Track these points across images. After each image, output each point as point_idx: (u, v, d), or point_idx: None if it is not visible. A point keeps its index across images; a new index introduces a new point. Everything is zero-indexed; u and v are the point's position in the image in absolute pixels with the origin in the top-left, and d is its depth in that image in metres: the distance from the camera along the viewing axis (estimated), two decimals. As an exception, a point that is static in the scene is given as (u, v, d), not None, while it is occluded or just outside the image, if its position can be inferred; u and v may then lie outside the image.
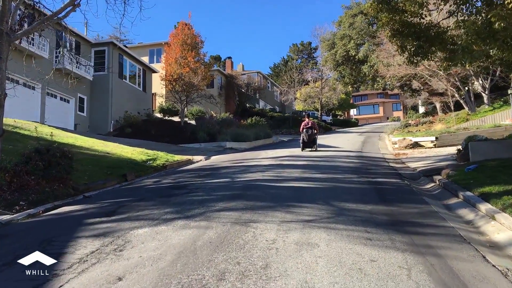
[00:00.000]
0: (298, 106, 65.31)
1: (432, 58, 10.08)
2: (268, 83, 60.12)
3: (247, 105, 47.65)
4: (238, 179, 9.72)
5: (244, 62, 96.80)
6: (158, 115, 33.51)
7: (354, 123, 63.19)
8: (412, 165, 12.85)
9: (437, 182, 9.49)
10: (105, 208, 7.15)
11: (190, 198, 7.46)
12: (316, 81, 56.20)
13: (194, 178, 10.80)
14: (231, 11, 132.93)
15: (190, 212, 6.27)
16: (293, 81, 55.23)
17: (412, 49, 9.76)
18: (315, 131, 18.66)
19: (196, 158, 18.20)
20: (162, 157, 16.09)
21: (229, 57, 52.71)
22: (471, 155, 11.41)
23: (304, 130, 18.56)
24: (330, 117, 58.64)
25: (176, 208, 6.65)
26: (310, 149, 18.48)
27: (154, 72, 33.80)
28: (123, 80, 29.38)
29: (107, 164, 12.77)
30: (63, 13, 10.06)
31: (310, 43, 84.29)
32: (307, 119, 19.63)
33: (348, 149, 18.72)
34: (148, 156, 15.63)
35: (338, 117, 67.75)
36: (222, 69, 49.51)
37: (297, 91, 58.23)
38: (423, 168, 11.45)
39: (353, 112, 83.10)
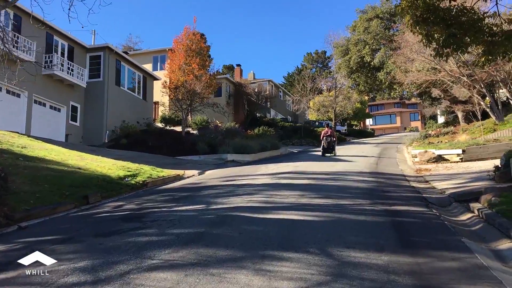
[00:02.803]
0: (311, 115, 63.05)
1: (467, 50, 7.82)
2: (280, 92, 58.04)
3: (257, 114, 45.58)
4: (215, 206, 7.54)
5: (257, 71, 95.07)
6: (159, 125, 31.60)
7: (370, 134, 60.68)
8: (439, 185, 10.51)
9: (476, 212, 7.18)
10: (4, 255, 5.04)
11: (131, 240, 5.31)
12: (330, 90, 53.95)
13: (164, 202, 8.66)
14: (247, 22, 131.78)
15: (108, 271, 4.12)
16: (306, 90, 53.07)
17: (441, 38, 7.53)
18: (334, 139, 22.25)
19: (188, 173, 16.13)
20: (146, 172, 14.02)
21: (238, 65, 50.74)
22: (514, 174, 9.07)
23: (324, 138, 21.97)
24: (345, 127, 56.23)
25: (98, 259, 4.52)
26: (329, 155, 21.44)
27: (156, 79, 32.00)
28: (121, 87, 27.56)
29: (71, 183, 10.70)
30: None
31: (324, 52, 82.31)
32: (326, 128, 23.42)
33: (361, 163, 16.42)
34: (129, 171, 13.55)
35: (354, 127, 65.34)
36: (231, 78, 47.57)
37: (310, 100, 56.03)
38: (454, 191, 9.12)
39: (369, 122, 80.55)
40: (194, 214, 6.98)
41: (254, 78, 55.93)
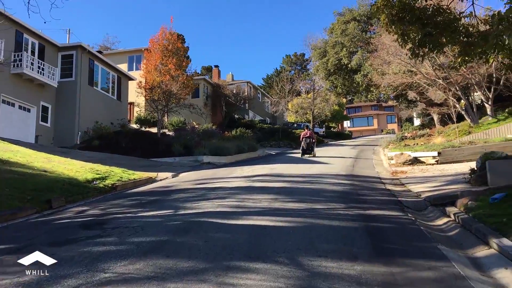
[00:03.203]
0: (290, 117, 62.99)
1: (444, 50, 7.63)
2: (259, 93, 57.79)
3: (236, 116, 45.21)
4: (183, 212, 7.17)
5: (237, 74, 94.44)
6: (134, 126, 30.89)
7: (348, 136, 60.96)
8: (415, 188, 10.35)
9: (452, 216, 6.99)
10: None
11: (87, 250, 4.91)
12: (308, 92, 53.95)
13: (130, 207, 8.23)
14: (227, 24, 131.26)
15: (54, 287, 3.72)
16: (284, 92, 52.95)
17: (417, 38, 7.32)
18: (313, 140, 23.12)
19: (162, 175, 15.67)
20: (116, 175, 13.52)
21: (216, 66, 50.17)
22: (489, 177, 8.95)
23: (304, 139, 22.64)
24: (323, 129, 56.25)
25: (46, 272, 4.11)
26: (308, 155, 22.08)
27: (131, 79, 31.31)
28: (94, 87, 26.81)
29: (34, 186, 10.16)
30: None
31: (303, 55, 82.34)
32: (306, 130, 24.21)
33: (338, 166, 16.24)
34: (98, 174, 13.02)
35: (332, 129, 65.52)
36: (209, 79, 47.06)
37: (288, 102, 55.91)
38: (430, 194, 8.94)
39: (346, 124, 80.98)
40: (159, 221, 6.60)
41: (233, 80, 55.53)
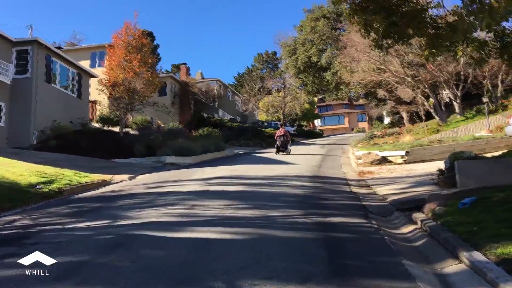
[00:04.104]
0: (261, 116, 62.41)
1: (410, 42, 7.04)
2: (229, 91, 56.92)
3: (205, 114, 44.20)
4: (121, 222, 6.35)
5: (209, 72, 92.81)
6: (97, 125, 29.60)
7: (319, 134, 60.75)
8: (381, 190, 9.77)
9: (419, 223, 6.38)
10: None
11: (-16, 276, 4.05)
12: (279, 91, 53.47)
13: (65, 217, 7.33)
14: (198, 22, 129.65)
15: None
16: (255, 90, 52.29)
17: (381, 28, 6.69)
18: (288, 138, 23.62)
19: (118, 177, 14.73)
20: (65, 178, 12.53)
21: (184, 63, 49.13)
22: (459, 178, 8.44)
23: (278, 137, 23.46)
24: (294, 128, 55.90)
25: None
26: (283, 153, 22.65)
27: (93, 76, 29.98)
28: (52, 84, 25.42)
29: (-36, 192, 9.15)
30: None
31: (274, 53, 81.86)
32: (281, 129, 25.32)
33: (304, 166, 15.60)
34: (45, 177, 12.00)
35: (303, 128, 65.27)
36: (178, 77, 45.92)
37: (259, 100, 55.25)
38: (396, 198, 8.35)
39: (318, 122, 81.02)
40: (90, 234, 5.75)
41: (202, 78, 54.49)
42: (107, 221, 6.43)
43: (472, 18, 5.58)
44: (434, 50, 7.16)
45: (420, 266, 4.64)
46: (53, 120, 24.41)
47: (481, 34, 8.25)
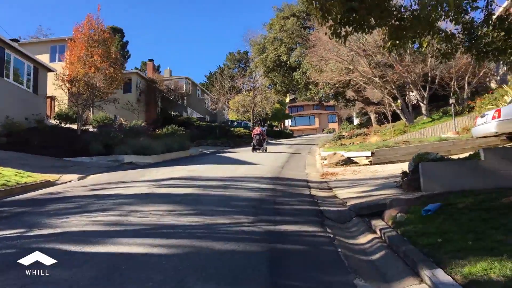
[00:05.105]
0: (231, 115, 61.58)
1: (370, 31, 6.37)
2: (198, 90, 55.84)
3: (172, 113, 42.99)
4: (35, 232, 5.44)
5: (181, 71, 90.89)
6: (54, 122, 28.10)
7: (289, 134, 60.44)
8: (342, 193, 9.12)
9: (378, 232, 5.73)
10: None
11: None
12: (250, 90, 52.79)
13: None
14: (170, 20, 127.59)
15: None
16: (224, 89, 51.41)
17: (339, 14, 6.00)
18: (264, 137, 24.63)
19: (66, 177, 13.67)
20: (4, 178, 11.40)
21: (151, 60, 47.59)
22: (423, 181, 7.85)
23: (254, 136, 24.57)
24: (265, 128, 55.33)
25: None
26: (259, 151, 23.61)
27: (51, 71, 28.46)
28: (5, 78, 23.86)
29: None
30: None
31: (246, 52, 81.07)
32: (257, 128, 27.83)
33: (266, 167, 14.89)
34: (-22, 177, 10.89)
35: (274, 128, 64.80)
36: (142, 73, 44.54)
37: (228, 99, 54.41)
38: (356, 202, 7.69)
39: (288, 123, 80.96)
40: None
41: (171, 75, 53.29)
42: (21, 230, 5.51)
43: (432, 3, 4.97)
44: (397, 42, 6.55)
45: (374, 287, 3.95)
46: (6, 116, 22.90)
47: (448, 27, 7.70)
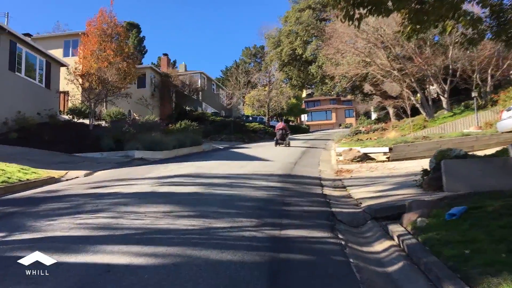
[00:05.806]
0: (247, 110, 61.03)
1: (387, 14, 5.70)
2: (213, 85, 55.42)
3: (187, 108, 42.62)
4: (16, 236, 4.97)
5: (197, 66, 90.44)
6: (67, 117, 27.90)
7: (305, 130, 59.66)
8: (356, 192, 8.48)
9: (396, 239, 5.10)
10: None
11: None
12: (265, 85, 52.09)
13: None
14: (188, 16, 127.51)
15: None
16: (239, 84, 50.81)
17: (353, -5, 5.35)
18: (287, 132, 25.00)
19: (73, 174, 13.30)
20: (6, 174, 11.04)
21: (165, 54, 47.35)
22: (445, 181, 7.18)
23: (277, 130, 25.03)
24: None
25: None
26: (283, 145, 23.84)
27: (64, 66, 28.25)
28: (17, 73, 23.71)
29: None
30: None
31: (262, 47, 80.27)
32: (280, 123, 28.89)
33: (278, 163, 14.29)
34: (-22, 173, 10.54)
35: (290, 123, 64.07)
36: (156, 67, 44.22)
37: (243, 94, 53.85)
38: (372, 202, 7.05)
39: (304, 118, 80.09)
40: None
41: (186, 70, 52.89)
42: (1, 235, 5.03)
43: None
44: (418, 26, 5.87)
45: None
46: (17, 111, 22.76)
47: (474, 11, 6.98)
